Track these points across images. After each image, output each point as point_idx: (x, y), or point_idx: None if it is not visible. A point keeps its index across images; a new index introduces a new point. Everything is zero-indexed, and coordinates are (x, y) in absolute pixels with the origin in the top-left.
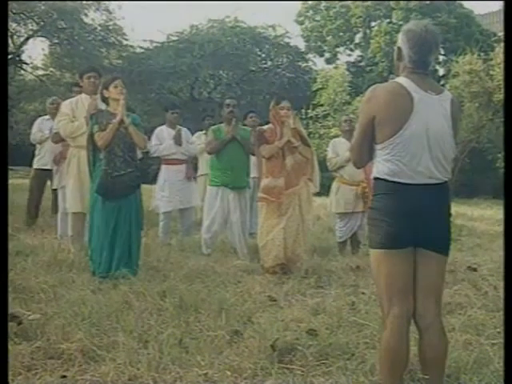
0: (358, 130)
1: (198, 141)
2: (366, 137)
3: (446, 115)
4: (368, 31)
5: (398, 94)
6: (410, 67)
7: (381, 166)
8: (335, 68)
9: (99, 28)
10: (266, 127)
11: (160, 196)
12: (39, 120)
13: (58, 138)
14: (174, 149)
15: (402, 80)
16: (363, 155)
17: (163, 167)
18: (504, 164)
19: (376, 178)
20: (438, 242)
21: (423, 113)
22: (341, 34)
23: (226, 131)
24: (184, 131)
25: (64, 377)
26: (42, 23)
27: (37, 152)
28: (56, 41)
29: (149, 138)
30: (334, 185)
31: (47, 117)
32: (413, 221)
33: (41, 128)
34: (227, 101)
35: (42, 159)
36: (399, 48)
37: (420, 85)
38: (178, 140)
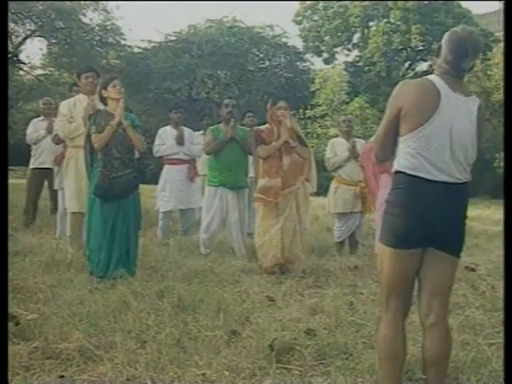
0: (384, 122)
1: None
2: (391, 129)
3: (471, 118)
4: (366, 31)
5: (427, 90)
6: (444, 67)
7: (402, 160)
8: (332, 68)
9: (97, 28)
10: (263, 127)
11: (161, 196)
12: (34, 121)
13: (58, 139)
14: (176, 149)
15: (432, 77)
16: (386, 148)
17: (165, 167)
18: (504, 164)
19: (396, 172)
20: (451, 243)
21: (449, 111)
22: (339, 33)
23: (224, 131)
24: (188, 132)
25: (62, 377)
26: (40, 23)
27: (33, 152)
28: (54, 41)
29: (146, 138)
30: (333, 185)
31: (41, 117)
32: (427, 220)
33: (36, 128)
34: (226, 101)
35: (38, 159)
36: (440, 46)
37: (450, 84)
38: (180, 140)
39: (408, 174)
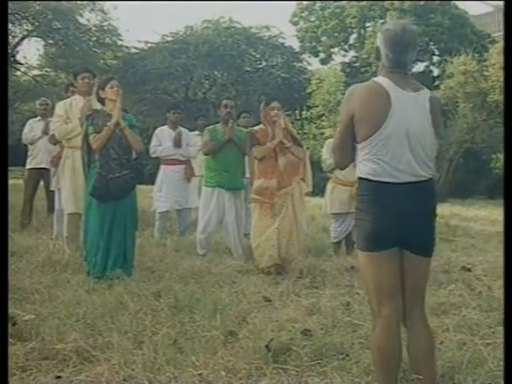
0: (339, 129)
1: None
2: (346, 136)
3: (425, 112)
4: (363, 32)
5: (376, 93)
6: (388, 66)
7: (363, 166)
8: (328, 68)
9: (94, 28)
10: (257, 128)
11: (158, 196)
12: (30, 121)
13: (55, 140)
14: (173, 151)
15: (379, 79)
16: (345, 155)
17: (161, 167)
18: (503, 164)
19: (359, 179)
20: (421, 242)
21: (401, 111)
22: (335, 34)
23: (222, 132)
24: (185, 133)
25: (59, 377)
26: (36, 23)
27: (29, 153)
28: (51, 41)
29: (143, 138)
30: (329, 185)
31: (38, 118)
32: (397, 221)
33: (32, 129)
34: (225, 101)
35: (34, 159)
36: (378, 47)
37: (398, 83)
38: (177, 142)
39: (371, 180)
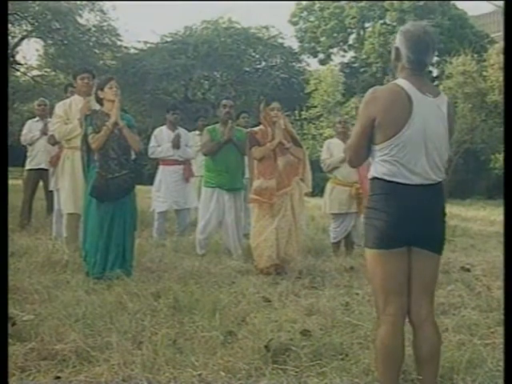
0: (357, 131)
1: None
2: (365, 138)
3: (442, 118)
4: (362, 32)
5: (398, 97)
6: (408, 68)
7: (379, 167)
8: (326, 69)
9: (93, 29)
10: (257, 129)
11: (156, 196)
12: (29, 122)
13: (54, 140)
14: (172, 152)
15: (401, 82)
16: (360, 155)
17: (160, 167)
18: (504, 164)
19: (374, 178)
20: (432, 241)
21: (421, 115)
22: (335, 34)
23: (221, 132)
24: (184, 133)
25: (58, 378)
26: (36, 24)
27: (28, 153)
28: (50, 41)
29: (143, 139)
30: (328, 186)
31: (36, 118)
32: (409, 220)
33: (31, 129)
34: (224, 101)
35: (34, 160)
36: (397, 48)
37: (418, 87)
38: (175, 144)
39: (387, 181)
